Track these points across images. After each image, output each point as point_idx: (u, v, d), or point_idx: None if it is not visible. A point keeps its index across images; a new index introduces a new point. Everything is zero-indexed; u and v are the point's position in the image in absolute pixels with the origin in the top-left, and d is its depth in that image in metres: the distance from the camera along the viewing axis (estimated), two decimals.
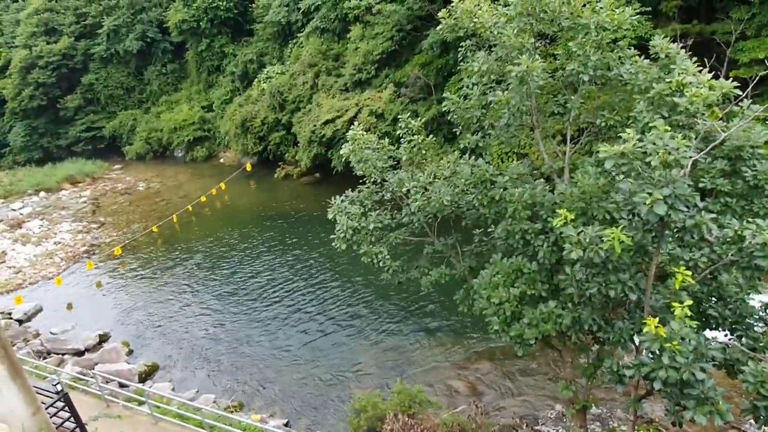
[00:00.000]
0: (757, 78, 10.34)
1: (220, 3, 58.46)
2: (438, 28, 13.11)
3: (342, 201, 14.14)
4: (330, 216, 14.02)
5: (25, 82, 66.76)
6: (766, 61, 10.31)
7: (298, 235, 36.42)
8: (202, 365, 23.74)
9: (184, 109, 63.64)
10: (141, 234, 40.38)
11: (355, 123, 14.90)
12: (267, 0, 56.22)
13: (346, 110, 41.72)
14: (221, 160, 59.89)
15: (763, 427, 8.79)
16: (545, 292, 11.27)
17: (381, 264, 13.66)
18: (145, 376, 23.01)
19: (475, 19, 12.04)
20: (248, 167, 49.54)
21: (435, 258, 14.91)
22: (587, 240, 8.78)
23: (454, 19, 12.46)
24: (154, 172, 59.61)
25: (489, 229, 13.00)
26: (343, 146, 14.46)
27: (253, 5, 58.42)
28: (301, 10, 50.22)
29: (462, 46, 13.53)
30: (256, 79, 54.55)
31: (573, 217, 9.19)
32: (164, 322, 27.71)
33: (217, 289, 30.57)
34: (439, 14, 12.68)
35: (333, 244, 13.77)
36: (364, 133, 14.40)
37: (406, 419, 16.08)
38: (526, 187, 11.58)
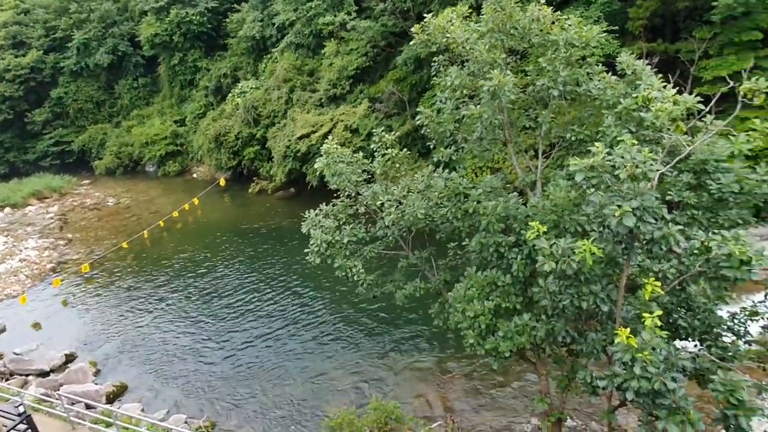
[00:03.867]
0: (719, 94, 10.66)
1: (193, 17, 58.11)
2: (411, 43, 13.25)
3: (316, 215, 14.06)
4: (304, 230, 13.91)
5: None
6: (728, 78, 10.59)
7: (273, 250, 36.04)
8: (173, 384, 23.14)
9: (156, 124, 62.77)
10: (110, 251, 39.44)
11: (330, 137, 14.88)
12: (241, 15, 56.14)
13: (321, 125, 41.74)
14: (194, 175, 59.15)
15: None
16: (520, 305, 11.33)
17: (356, 278, 13.59)
18: (113, 397, 22.31)
19: (448, 35, 12.20)
20: (222, 182, 48.99)
21: (410, 271, 14.89)
22: (560, 252, 8.88)
23: (427, 34, 12.60)
24: (124, 187, 58.48)
25: (463, 243, 13.05)
26: (317, 160, 14.42)
27: (227, 20, 58.25)
28: (276, 26, 50.25)
29: (435, 61, 13.67)
30: (230, 94, 54.20)
31: (545, 230, 9.29)
32: (133, 341, 26.99)
33: (189, 306, 29.96)
34: (413, 29, 12.81)
35: (307, 258, 13.65)
36: (339, 147, 14.39)
37: None
38: (499, 200, 11.68)
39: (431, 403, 20.19)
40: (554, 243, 9.02)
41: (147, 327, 28.22)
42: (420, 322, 24.81)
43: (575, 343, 10.94)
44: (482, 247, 11.68)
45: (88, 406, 19.95)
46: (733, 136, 9.86)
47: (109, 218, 49.00)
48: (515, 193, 12.37)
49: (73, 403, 18.86)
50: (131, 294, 32.51)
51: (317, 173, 14.65)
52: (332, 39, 44.58)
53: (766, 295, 11.81)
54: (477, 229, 11.91)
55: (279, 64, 48.91)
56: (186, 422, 20.12)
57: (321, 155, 14.32)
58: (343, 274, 13.63)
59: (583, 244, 8.50)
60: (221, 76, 57.97)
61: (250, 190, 48.70)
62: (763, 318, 11.70)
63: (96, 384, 23.13)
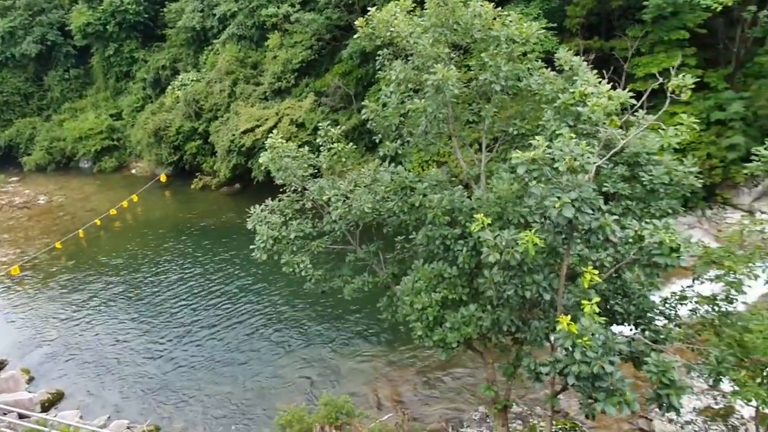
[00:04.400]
0: (650, 90, 11.17)
1: (129, 6, 55.59)
2: (356, 36, 13.18)
3: (262, 210, 13.83)
4: (249, 226, 13.65)
5: None
6: (657, 75, 11.19)
7: (217, 248, 35.17)
8: (113, 389, 22.24)
9: (91, 117, 59.76)
10: (42, 251, 37.37)
11: (275, 132, 14.64)
12: (179, 5, 54.16)
13: (266, 119, 40.98)
14: (133, 171, 56.84)
15: (666, 413, 9.43)
16: (466, 296, 11.53)
17: (303, 273, 13.48)
18: (48, 405, 21.23)
19: (392, 29, 12.21)
20: (163, 178, 47.29)
21: (358, 266, 14.89)
22: (504, 243, 9.09)
23: (372, 28, 12.57)
24: (56, 184, 55.50)
25: (410, 236, 13.15)
26: (262, 155, 14.17)
27: (165, 10, 56.08)
28: (217, 17, 48.81)
29: (380, 55, 13.67)
30: (170, 86, 52.26)
31: (490, 222, 9.48)
32: (69, 345, 25.73)
33: (128, 307, 28.83)
34: (357, 22, 12.75)
35: (253, 254, 13.40)
36: (284, 141, 14.19)
37: (334, 431, 15.86)
38: (444, 193, 11.83)
39: (381, 397, 20.31)
40: (498, 235, 9.22)
41: (84, 330, 26.97)
42: (368, 316, 24.87)
43: (520, 331, 11.25)
44: (429, 239, 11.81)
45: (21, 416, 18.95)
46: (663, 130, 10.37)
47: (40, 217, 46.44)
48: (460, 187, 12.56)
49: (5, 413, 17.85)
50: (66, 296, 30.96)
51: (263, 168, 14.44)
52: (276, 31, 43.76)
53: (693, 280, 12.53)
54: (423, 222, 12.03)
55: (221, 56, 47.60)
56: (128, 428, 19.43)
57: (266, 150, 14.08)
58: (291, 269, 13.49)
59: (526, 235, 8.73)
60: (160, 67, 55.83)
61: (192, 186, 47.34)
62: (691, 302, 12.42)
63: (29, 392, 21.94)
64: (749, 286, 11.80)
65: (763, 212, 25.72)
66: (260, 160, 14.34)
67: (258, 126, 40.81)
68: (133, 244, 37.41)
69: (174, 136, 48.34)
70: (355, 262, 14.81)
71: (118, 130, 58.74)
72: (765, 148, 11.24)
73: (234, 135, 41.90)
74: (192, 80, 50.36)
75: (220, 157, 43.87)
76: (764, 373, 10.54)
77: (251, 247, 13.56)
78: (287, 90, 43.10)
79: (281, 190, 14.46)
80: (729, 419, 14.40)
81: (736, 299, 11.86)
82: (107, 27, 56.22)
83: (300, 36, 42.19)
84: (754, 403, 10.27)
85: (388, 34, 12.32)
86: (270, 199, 14.26)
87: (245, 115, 42.27)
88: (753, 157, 11.56)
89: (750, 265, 11.65)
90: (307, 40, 41.84)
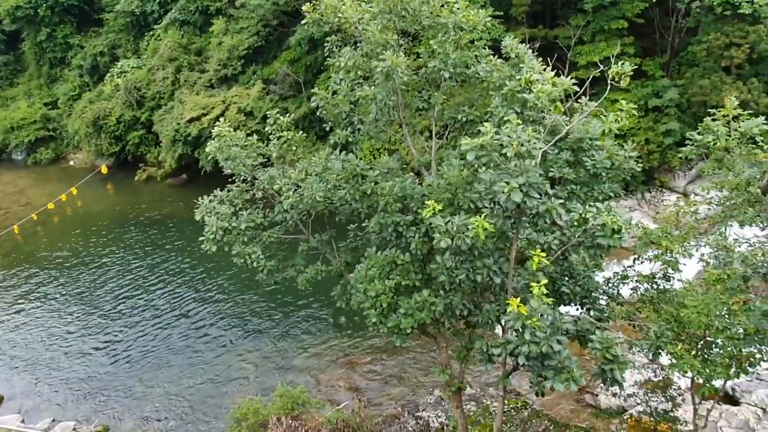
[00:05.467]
0: (592, 78, 11.52)
1: None
2: (303, 22, 12.96)
3: (210, 201, 13.48)
4: (198, 217, 13.28)
5: None
6: (599, 63, 11.66)
7: (164, 240, 34.14)
8: (57, 389, 21.36)
9: (23, 106, 56.59)
10: None
11: (221, 120, 14.24)
12: None
13: (213, 107, 39.91)
14: (71, 163, 54.25)
15: (610, 387, 9.86)
16: (419, 282, 11.65)
17: (255, 264, 13.24)
18: None
19: (340, 14, 12.07)
20: (103, 170, 45.25)
21: (311, 255, 14.78)
22: (455, 229, 9.21)
23: (319, 13, 12.38)
24: None
25: (363, 224, 13.14)
26: (208, 144, 13.79)
27: None
28: (157, 0, 47.00)
29: (328, 42, 13.51)
30: (109, 74, 50.09)
31: (441, 208, 9.58)
32: (7, 346, 24.50)
33: (69, 304, 27.66)
34: (304, 8, 12.53)
35: (202, 246, 13.06)
36: (232, 130, 13.83)
37: (290, 422, 15.80)
38: (396, 180, 11.87)
39: (338, 385, 20.36)
40: (449, 220, 9.33)
41: (22, 329, 25.73)
42: (321, 305, 24.82)
43: (472, 315, 11.47)
44: (381, 227, 11.82)
45: None
46: (604, 116, 10.73)
47: None
48: (411, 174, 12.63)
49: None
50: (0, 294, 29.37)
51: (210, 158, 14.02)
52: (220, 16, 42.57)
53: (634, 260, 13.12)
54: (375, 209, 12.02)
55: (163, 42, 45.89)
56: (74, 429, 18.77)
57: (213, 139, 13.70)
58: (242, 261, 13.22)
59: (476, 221, 8.87)
60: (97, 54, 53.32)
61: (136, 178, 45.68)
62: (632, 281, 13.01)
63: None
64: (684, 264, 12.48)
65: (696, 194, 27.12)
66: (207, 150, 13.93)
67: (204, 114, 39.72)
68: (73, 238, 35.85)
69: (114, 126, 46.49)
70: (308, 251, 14.69)
71: (53, 119, 55.92)
72: (698, 133, 11.83)
73: (179, 124, 40.62)
74: (132, 67, 48.45)
75: (165, 147, 42.48)
76: (699, 346, 11.21)
77: (200, 238, 13.22)
78: (234, 77, 42.09)
79: (230, 180, 14.15)
80: (668, 390, 15.21)
81: (673, 277, 12.52)
82: (38, 10, 53.17)
83: (246, 22, 41.17)
84: (689, 374, 10.88)
85: (336, 20, 12.17)
86: (219, 189, 13.92)
87: (190, 103, 41.03)
88: (687, 142, 12.16)
89: (685, 244, 12.32)
90: (253, 26, 40.88)
